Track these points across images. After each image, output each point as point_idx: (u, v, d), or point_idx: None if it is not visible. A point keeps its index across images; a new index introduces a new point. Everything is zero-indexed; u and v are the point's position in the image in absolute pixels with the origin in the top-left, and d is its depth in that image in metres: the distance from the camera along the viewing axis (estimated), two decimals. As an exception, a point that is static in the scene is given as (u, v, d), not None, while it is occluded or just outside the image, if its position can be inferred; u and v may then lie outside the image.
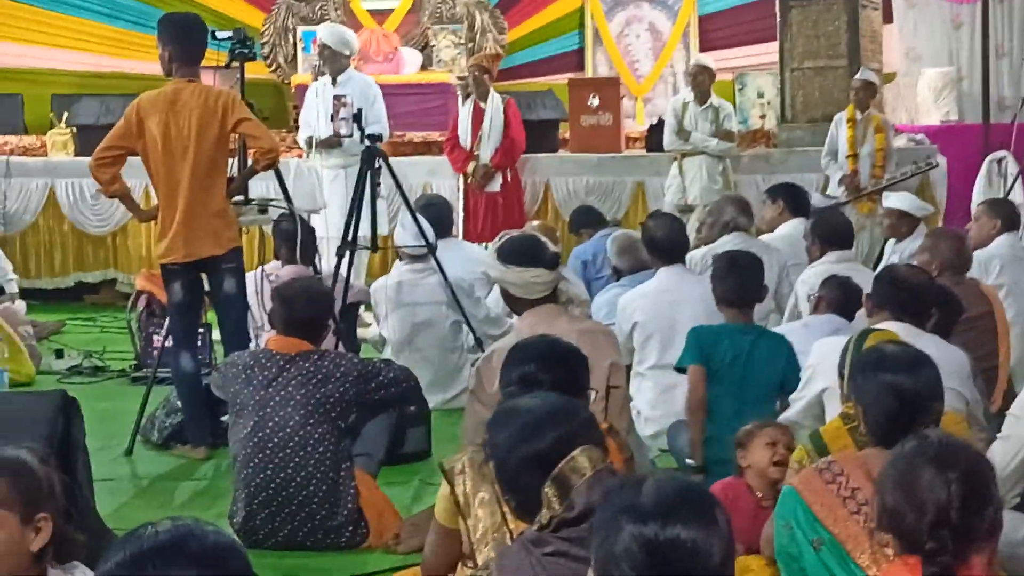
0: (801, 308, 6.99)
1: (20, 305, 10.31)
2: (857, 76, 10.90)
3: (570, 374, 3.96)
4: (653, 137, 11.99)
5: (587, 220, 9.69)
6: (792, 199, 8.68)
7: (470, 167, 10.90)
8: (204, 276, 7.02)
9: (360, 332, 8.79)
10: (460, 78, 12.36)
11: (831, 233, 7.34)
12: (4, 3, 15.04)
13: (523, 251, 5.19)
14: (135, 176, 7.25)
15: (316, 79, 11.02)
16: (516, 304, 5.30)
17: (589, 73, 14.54)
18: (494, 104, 10.95)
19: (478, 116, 10.92)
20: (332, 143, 9.93)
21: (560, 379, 3.87)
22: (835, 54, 12.10)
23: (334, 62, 10.24)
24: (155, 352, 7.92)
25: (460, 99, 11.09)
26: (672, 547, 2.21)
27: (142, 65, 13.85)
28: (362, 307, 8.89)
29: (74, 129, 12.47)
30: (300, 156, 10.74)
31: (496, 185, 10.95)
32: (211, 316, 7.56)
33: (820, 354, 5.26)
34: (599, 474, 2.89)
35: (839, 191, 10.53)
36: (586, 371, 4.08)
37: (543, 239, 5.30)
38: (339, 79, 10.19)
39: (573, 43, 14.91)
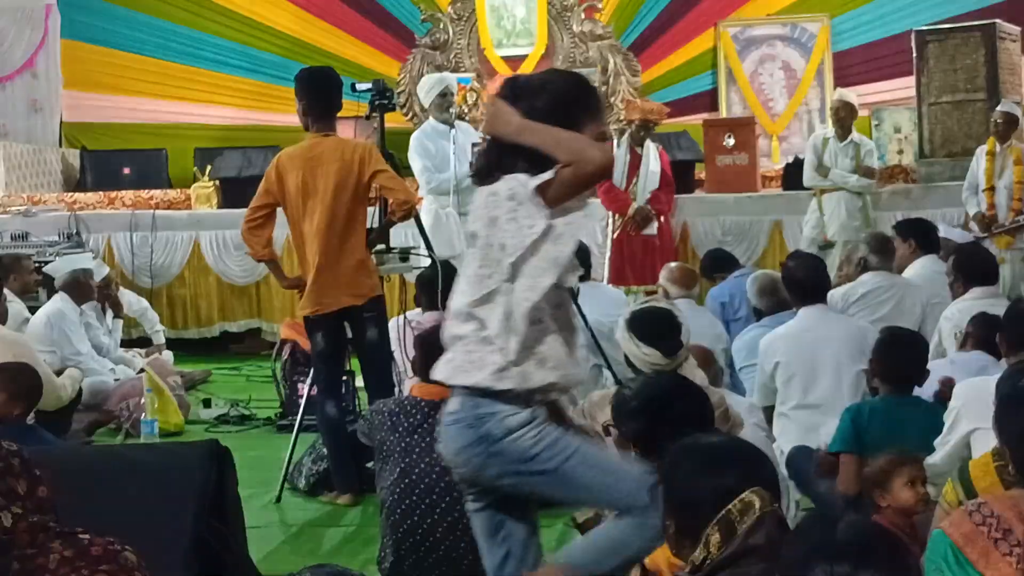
0: (946, 345, 6.89)
1: (168, 355, 10.51)
2: (998, 108, 10.73)
3: (695, 411, 3.98)
4: (789, 176, 11.93)
5: (719, 264, 9.62)
6: (922, 236, 8.56)
7: (631, 209, 10.90)
8: (347, 324, 7.13)
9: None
10: (623, 121, 12.36)
11: (975, 269, 7.22)
12: (146, 60, 15.46)
13: (648, 326, 5.10)
14: (278, 227, 7.37)
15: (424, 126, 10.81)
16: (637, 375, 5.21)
17: (723, 113, 14.54)
18: (649, 150, 11.01)
19: (634, 160, 10.96)
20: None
21: (688, 415, 3.89)
22: (973, 87, 11.94)
23: (452, 107, 10.35)
24: (300, 400, 8.01)
25: (616, 143, 11.11)
26: None
27: (282, 117, 14.14)
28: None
29: (217, 182, 12.73)
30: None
31: (654, 228, 10.97)
32: (354, 363, 7.65)
33: (963, 395, 5.16)
34: (764, 518, 2.89)
35: (974, 227, 10.36)
36: (710, 407, 4.10)
37: (680, 321, 5.20)
38: (457, 124, 10.29)
39: (707, 83, 14.93)
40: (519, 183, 3.62)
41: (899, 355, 5.80)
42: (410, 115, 14.34)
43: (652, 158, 11.01)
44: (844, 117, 11.17)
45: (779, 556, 2.43)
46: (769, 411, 6.59)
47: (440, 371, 3.85)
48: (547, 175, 3.60)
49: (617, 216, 11.02)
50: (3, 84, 15.83)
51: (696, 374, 5.11)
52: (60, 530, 3.27)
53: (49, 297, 9.57)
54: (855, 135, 11.22)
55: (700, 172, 12.55)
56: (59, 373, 8.43)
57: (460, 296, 3.80)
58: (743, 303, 8.38)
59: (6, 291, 8.30)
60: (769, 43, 14.79)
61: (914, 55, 12.30)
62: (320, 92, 7.08)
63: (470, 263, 3.78)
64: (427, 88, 10.29)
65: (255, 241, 7.05)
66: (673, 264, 9.07)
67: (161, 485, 4.52)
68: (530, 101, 3.77)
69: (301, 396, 8.02)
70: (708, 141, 12.30)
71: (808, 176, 11.20)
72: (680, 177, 11.88)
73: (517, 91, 3.81)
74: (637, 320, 5.12)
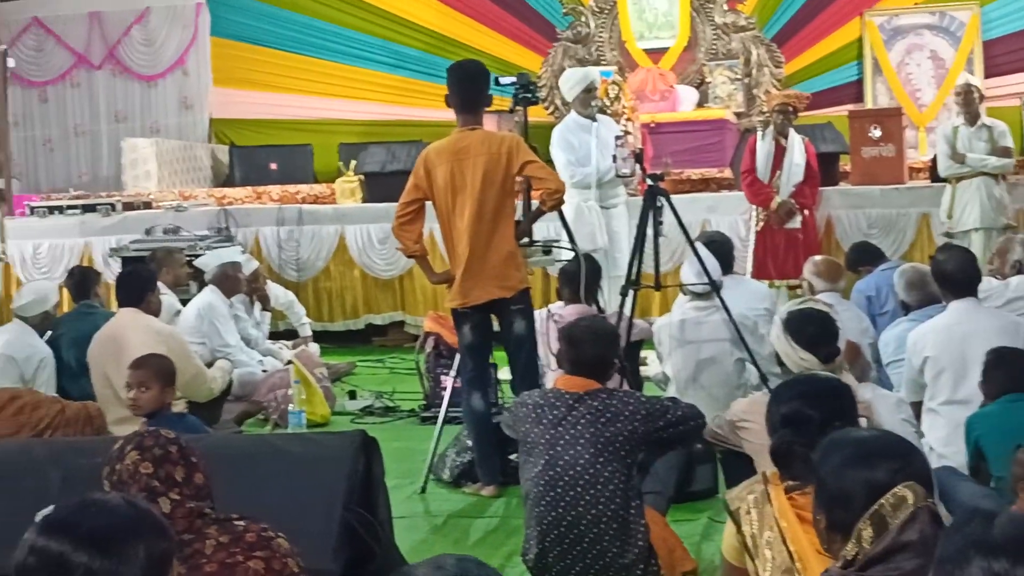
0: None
1: (314, 348, 10.65)
2: None
3: (839, 407, 3.92)
4: (937, 167, 11.74)
5: (864, 257, 9.50)
6: None
7: (774, 203, 10.78)
8: (494, 317, 7.16)
9: (641, 370, 8.80)
10: (766, 113, 12.25)
11: None
12: (292, 57, 15.72)
13: (806, 329, 5.04)
14: (426, 221, 7.42)
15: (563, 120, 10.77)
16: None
17: (869, 104, 14.35)
18: (794, 142, 10.88)
19: (778, 152, 10.84)
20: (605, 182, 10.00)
21: (829, 413, 3.83)
22: None
23: (595, 101, 10.31)
24: (443, 392, 8.07)
25: (760, 135, 11.01)
26: None
27: (425, 112, 14.28)
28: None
29: (361, 176, 12.86)
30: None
31: (797, 222, 10.84)
32: (497, 355, 7.69)
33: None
34: (918, 513, 2.84)
35: None
36: (853, 402, 4.02)
37: (837, 326, 5.14)
38: (599, 118, 10.24)
39: (852, 74, 14.76)
40: None
41: (1005, 373, 5.72)
42: (551, 109, 14.35)
43: (797, 150, 10.88)
44: (971, 101, 10.91)
45: (934, 551, 2.39)
46: (917, 406, 6.49)
47: None
48: None
49: (760, 210, 10.91)
50: (155, 82, 16.22)
51: (846, 379, 5.05)
52: (216, 516, 3.35)
53: (199, 290, 9.76)
54: (985, 118, 10.96)
55: (845, 164, 12.40)
56: (209, 365, 8.60)
57: None
58: (889, 297, 8.26)
59: (159, 284, 8.47)
60: (917, 32, 14.56)
61: (1068, 43, 12.04)
62: (466, 85, 7.10)
63: None
64: (571, 83, 10.27)
65: (406, 236, 7.10)
66: (818, 257, 8.94)
67: (311, 474, 4.58)
68: None
69: (445, 388, 8.08)
70: (854, 132, 12.14)
71: (944, 166, 10.97)
72: (825, 169, 11.73)
73: None
74: (794, 322, 5.07)
